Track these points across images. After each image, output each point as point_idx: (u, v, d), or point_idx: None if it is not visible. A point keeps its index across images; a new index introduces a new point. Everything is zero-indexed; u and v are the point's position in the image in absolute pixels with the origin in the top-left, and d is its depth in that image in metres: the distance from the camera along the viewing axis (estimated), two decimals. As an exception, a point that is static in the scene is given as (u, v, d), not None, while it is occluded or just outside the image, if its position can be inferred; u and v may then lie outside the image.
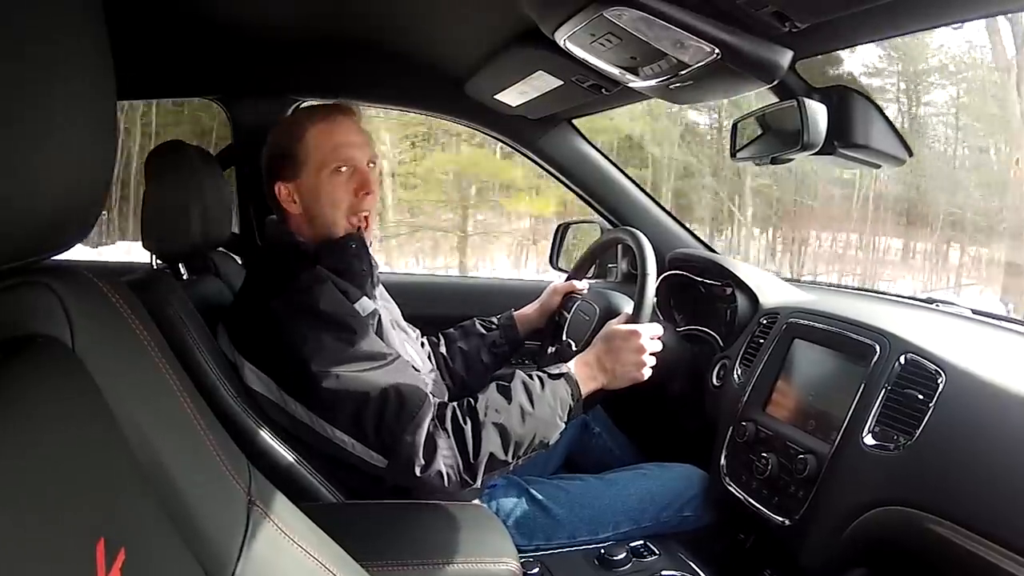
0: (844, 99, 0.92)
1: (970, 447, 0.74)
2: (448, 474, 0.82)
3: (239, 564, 0.52)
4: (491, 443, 0.84)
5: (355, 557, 0.66)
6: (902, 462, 0.79)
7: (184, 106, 5.34)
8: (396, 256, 6.45)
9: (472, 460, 0.83)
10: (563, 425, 0.90)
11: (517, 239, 6.86)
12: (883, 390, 0.85)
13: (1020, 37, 5.25)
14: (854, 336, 0.94)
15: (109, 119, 0.43)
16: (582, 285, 1.24)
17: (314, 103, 1.31)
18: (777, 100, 0.97)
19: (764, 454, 0.96)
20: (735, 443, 1.04)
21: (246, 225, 1.39)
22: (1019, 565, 0.63)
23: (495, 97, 1.28)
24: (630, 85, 0.97)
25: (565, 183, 1.52)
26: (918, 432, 0.78)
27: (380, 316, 0.96)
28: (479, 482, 0.85)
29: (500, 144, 1.55)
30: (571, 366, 0.93)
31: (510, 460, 0.86)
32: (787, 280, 1.34)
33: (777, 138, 1.01)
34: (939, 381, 0.80)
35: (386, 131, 6.09)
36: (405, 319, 1.12)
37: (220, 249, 1.16)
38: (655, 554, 1.00)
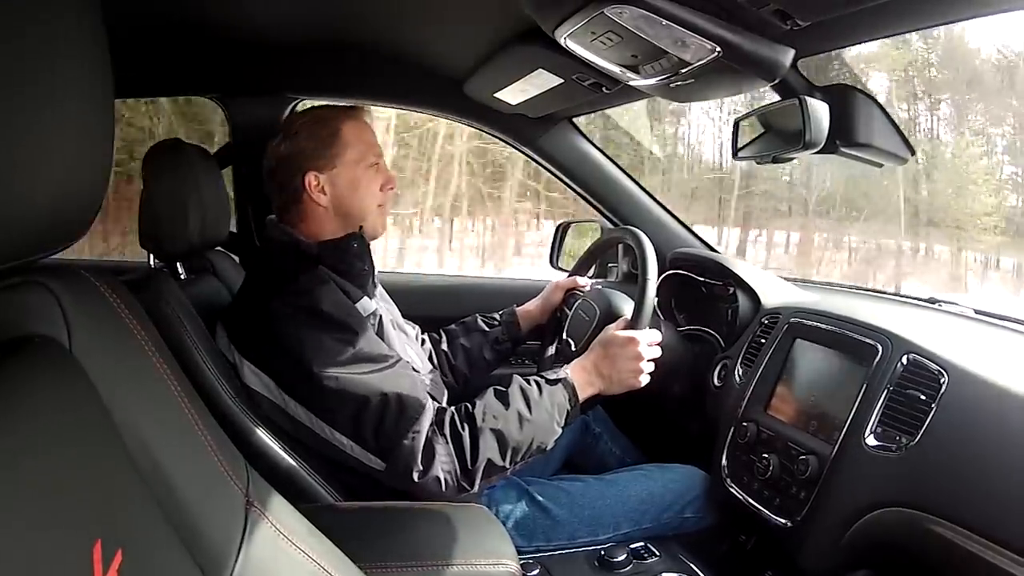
0: (846, 97, 0.92)
1: (973, 448, 0.73)
2: (445, 480, 0.83)
3: (237, 565, 0.52)
4: (489, 449, 0.84)
5: (354, 559, 0.66)
6: (904, 463, 0.78)
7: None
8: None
9: (470, 466, 0.84)
10: (560, 430, 0.91)
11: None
12: (885, 391, 0.85)
13: None
14: (856, 336, 0.93)
15: (107, 118, 0.43)
16: (584, 281, 1.24)
17: (322, 102, 1.31)
18: (779, 99, 0.97)
19: (765, 455, 0.96)
20: (736, 444, 1.04)
21: (244, 224, 1.39)
22: (1022, 567, 0.63)
23: (495, 96, 1.27)
24: (631, 83, 0.96)
25: (565, 182, 1.51)
26: (920, 433, 0.78)
27: (380, 316, 0.96)
28: (476, 487, 0.85)
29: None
30: (568, 371, 0.93)
31: (507, 466, 0.86)
32: (789, 280, 1.33)
33: (779, 137, 1.01)
34: (942, 381, 0.79)
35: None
36: (405, 319, 1.12)
37: (218, 249, 1.16)
38: (656, 555, 1.00)
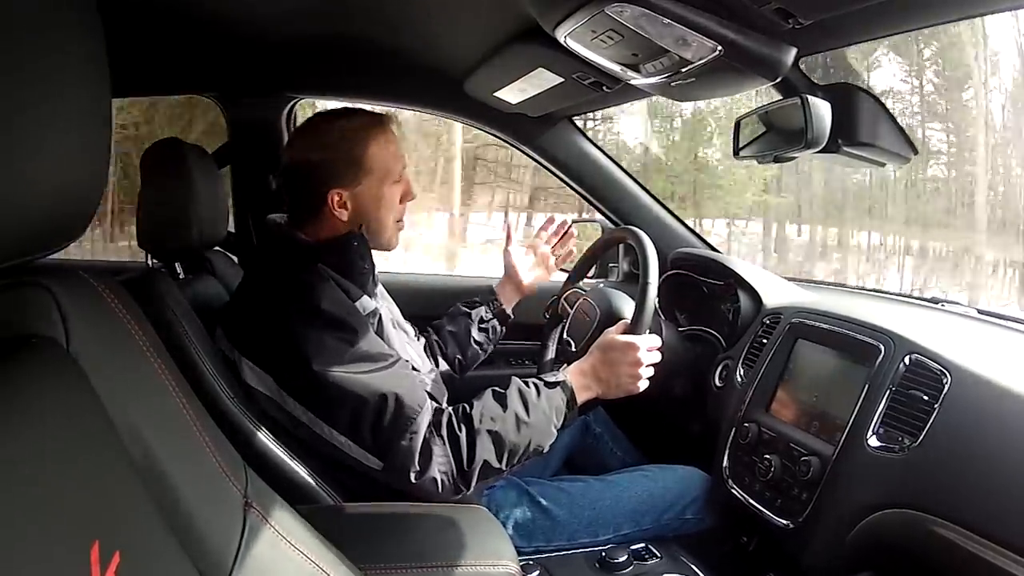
0: (848, 97, 0.91)
1: (976, 449, 0.73)
2: (442, 480, 0.83)
3: (235, 567, 0.52)
4: (486, 451, 0.84)
5: (353, 560, 0.66)
6: (907, 464, 0.78)
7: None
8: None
9: (466, 468, 0.84)
10: (556, 433, 0.90)
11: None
12: (887, 391, 0.84)
13: None
14: (858, 336, 0.93)
15: (104, 117, 0.42)
16: (520, 250, 1.23)
17: (341, 106, 1.30)
18: (780, 97, 0.97)
19: (767, 456, 0.96)
20: (737, 444, 1.04)
21: (242, 224, 1.38)
22: (1025, 568, 0.63)
23: (495, 95, 1.27)
24: (631, 82, 0.96)
25: (566, 181, 1.51)
26: (923, 434, 0.77)
27: (380, 315, 0.96)
28: (472, 488, 0.85)
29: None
30: (567, 374, 0.93)
31: (503, 467, 0.86)
32: (790, 279, 1.33)
33: (780, 136, 1.01)
34: (944, 382, 0.79)
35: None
36: (404, 318, 1.12)
37: (216, 248, 1.15)
38: (656, 557, 0.99)
